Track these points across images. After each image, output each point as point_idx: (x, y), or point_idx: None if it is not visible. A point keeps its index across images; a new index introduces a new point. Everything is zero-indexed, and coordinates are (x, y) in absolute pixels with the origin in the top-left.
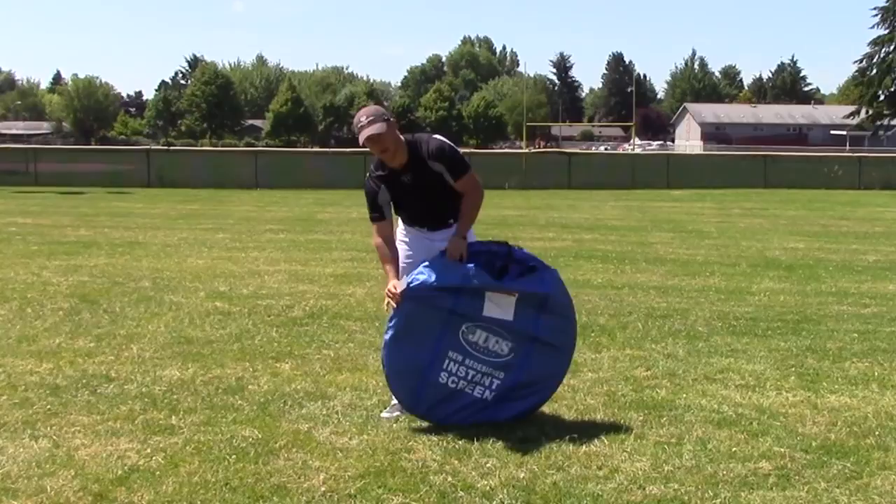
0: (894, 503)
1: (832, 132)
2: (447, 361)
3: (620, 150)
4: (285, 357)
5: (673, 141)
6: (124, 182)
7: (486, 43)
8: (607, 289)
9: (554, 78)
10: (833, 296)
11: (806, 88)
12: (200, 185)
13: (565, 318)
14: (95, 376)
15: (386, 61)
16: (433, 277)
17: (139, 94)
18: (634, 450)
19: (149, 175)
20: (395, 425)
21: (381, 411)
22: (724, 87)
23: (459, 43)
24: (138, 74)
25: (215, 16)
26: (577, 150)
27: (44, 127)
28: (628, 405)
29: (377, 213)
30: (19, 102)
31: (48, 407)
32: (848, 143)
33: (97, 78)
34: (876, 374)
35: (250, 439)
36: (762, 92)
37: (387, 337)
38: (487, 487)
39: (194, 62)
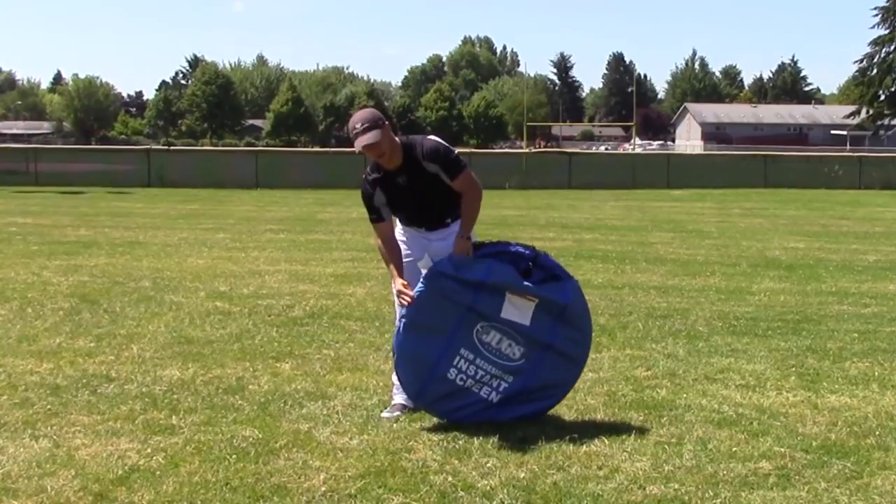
0: (894, 503)
1: (832, 132)
2: (458, 358)
3: (621, 150)
4: (285, 357)
5: (673, 141)
6: (124, 182)
7: (487, 43)
8: (607, 289)
9: (554, 78)
10: (833, 296)
11: (806, 88)
12: (200, 185)
13: (581, 331)
14: (96, 376)
15: (386, 61)
16: (458, 267)
17: (139, 94)
18: (634, 450)
19: (149, 175)
20: (395, 425)
21: (381, 411)
22: (724, 86)
23: (460, 43)
24: (138, 74)
25: (215, 16)
26: (578, 150)
27: (44, 127)
28: (628, 405)
29: (375, 215)
30: (20, 102)
31: (48, 407)
32: (848, 143)
33: (97, 78)
34: (876, 374)
35: (250, 439)
36: (762, 92)
37: (400, 325)
38: (487, 487)
39: (194, 62)
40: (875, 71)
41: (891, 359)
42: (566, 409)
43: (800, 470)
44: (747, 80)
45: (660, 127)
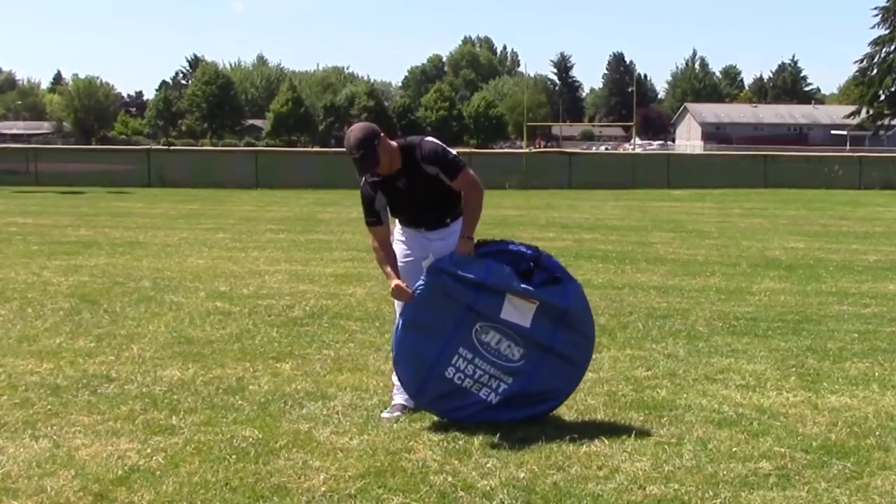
0: (895, 503)
1: (833, 132)
2: (456, 357)
3: (621, 150)
4: (286, 357)
5: (673, 141)
6: (124, 182)
7: (487, 43)
8: (607, 289)
9: (554, 78)
10: (833, 296)
11: (806, 88)
12: (200, 185)
13: (583, 334)
14: (96, 376)
15: (386, 61)
16: (458, 265)
17: (139, 94)
18: (634, 450)
19: (149, 175)
20: (395, 425)
21: (381, 411)
22: (724, 86)
23: (460, 43)
24: (138, 74)
25: (215, 16)
26: (578, 150)
27: (44, 127)
28: (628, 405)
29: (374, 219)
30: (20, 102)
31: (48, 407)
32: (848, 143)
33: (97, 78)
34: (876, 374)
35: (250, 439)
36: (763, 92)
37: (399, 323)
38: (487, 487)
39: (195, 62)
40: (875, 71)
41: (891, 359)
42: (566, 409)
43: (800, 470)
44: (747, 80)
45: (660, 127)
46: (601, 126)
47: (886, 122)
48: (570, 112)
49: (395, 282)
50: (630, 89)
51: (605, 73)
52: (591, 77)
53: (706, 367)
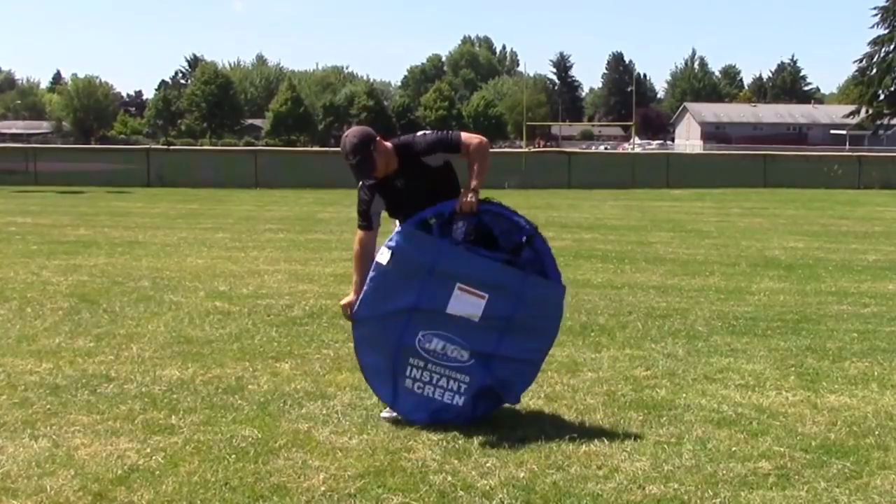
0: (894, 503)
1: (832, 132)
2: (409, 368)
3: (620, 150)
4: (285, 357)
5: (673, 140)
6: (124, 181)
7: (486, 42)
8: (607, 288)
9: (554, 77)
10: (833, 295)
11: (806, 88)
12: (200, 185)
13: (542, 336)
14: (95, 376)
15: (386, 61)
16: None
17: (139, 93)
18: (634, 449)
19: (148, 175)
20: (394, 425)
21: (380, 411)
22: (724, 86)
23: (459, 42)
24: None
25: (215, 16)
26: (577, 150)
27: (44, 126)
28: (628, 405)
29: (366, 223)
30: (19, 102)
31: (48, 406)
32: (848, 143)
33: (97, 77)
34: (876, 373)
35: (250, 439)
36: (762, 91)
37: (354, 342)
38: (487, 487)
39: (194, 62)
40: (874, 70)
41: (890, 358)
42: (566, 409)
43: (799, 470)
44: (747, 79)
45: (659, 126)
46: (600, 126)
47: (886, 121)
48: (569, 112)
49: (348, 299)
50: (629, 89)
51: (604, 73)
52: (590, 77)
53: (705, 366)
